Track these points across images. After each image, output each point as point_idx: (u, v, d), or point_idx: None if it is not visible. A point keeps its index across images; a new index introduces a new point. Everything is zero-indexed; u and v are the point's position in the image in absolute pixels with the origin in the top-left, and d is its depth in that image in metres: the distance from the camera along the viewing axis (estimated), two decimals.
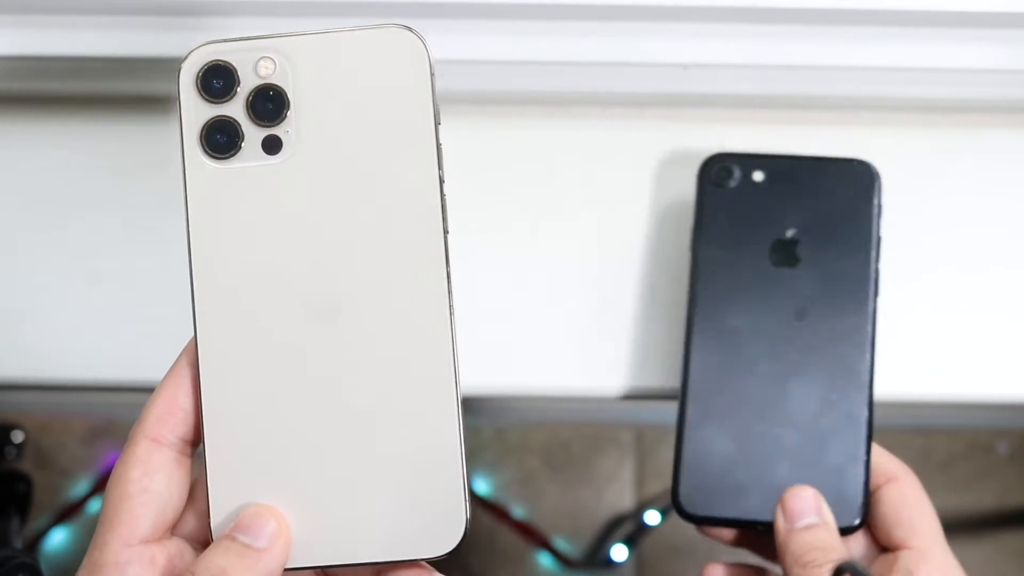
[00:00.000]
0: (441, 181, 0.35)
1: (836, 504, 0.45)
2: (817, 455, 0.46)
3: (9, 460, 1.07)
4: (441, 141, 0.35)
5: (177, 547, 0.35)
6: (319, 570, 0.37)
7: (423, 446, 0.34)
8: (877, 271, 0.48)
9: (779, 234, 0.48)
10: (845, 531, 0.45)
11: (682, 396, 0.47)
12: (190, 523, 0.36)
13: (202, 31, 0.46)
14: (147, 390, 0.51)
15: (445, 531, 0.34)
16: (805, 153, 0.49)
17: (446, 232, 0.35)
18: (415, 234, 0.35)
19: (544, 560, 1.10)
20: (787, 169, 0.49)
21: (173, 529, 0.36)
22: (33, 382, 0.51)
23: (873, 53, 0.48)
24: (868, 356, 0.47)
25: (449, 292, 0.35)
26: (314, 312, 0.35)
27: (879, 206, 0.48)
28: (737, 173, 0.49)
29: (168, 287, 0.51)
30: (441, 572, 0.36)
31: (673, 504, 0.47)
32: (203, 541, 0.36)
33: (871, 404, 0.47)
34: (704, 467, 0.47)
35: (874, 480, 0.46)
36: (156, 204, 0.52)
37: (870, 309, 0.47)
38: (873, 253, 0.48)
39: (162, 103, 0.52)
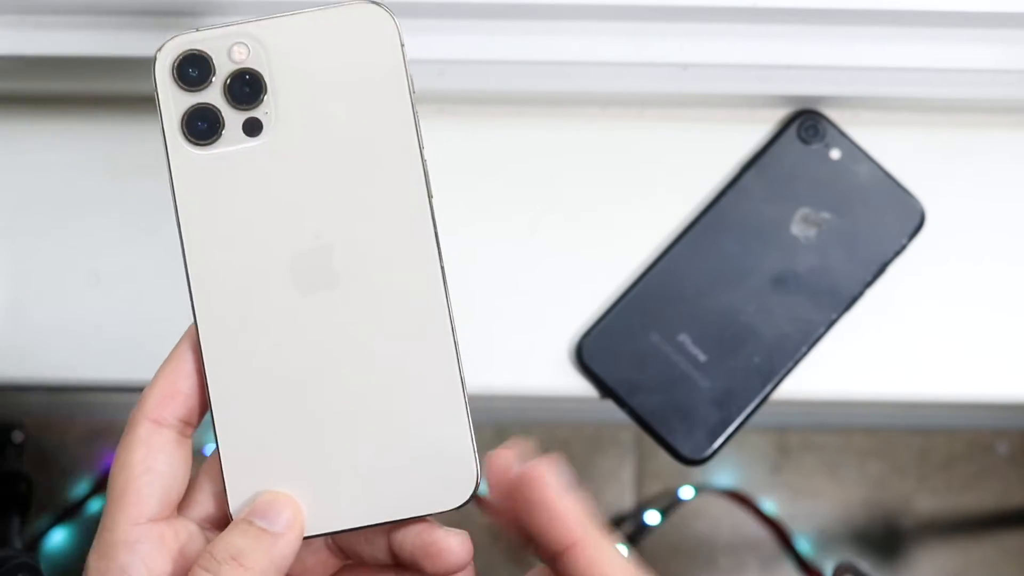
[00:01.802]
0: (421, 147, 0.35)
1: (689, 433, 0.50)
2: (707, 395, 0.50)
3: (9, 460, 1.06)
4: (417, 109, 0.35)
5: (186, 527, 0.36)
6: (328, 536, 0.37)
7: (428, 404, 0.35)
8: (862, 293, 0.50)
9: (815, 209, 0.50)
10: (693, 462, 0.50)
11: (644, 272, 0.51)
12: (203, 505, 0.37)
13: None
14: None
15: (457, 483, 0.35)
16: (884, 164, 0.51)
17: (430, 196, 0.35)
18: (401, 200, 0.35)
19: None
20: (859, 166, 0.51)
21: (184, 511, 0.37)
22: (33, 382, 0.51)
23: (874, 53, 0.48)
24: (804, 349, 0.50)
25: (439, 253, 0.35)
26: (309, 286, 0.35)
27: (904, 247, 0.51)
28: (822, 139, 0.51)
29: (168, 287, 0.51)
30: (449, 524, 0.36)
31: (577, 348, 0.51)
32: (214, 523, 0.37)
33: (770, 390, 0.50)
34: (615, 336, 0.50)
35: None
36: (156, 204, 0.52)
37: (832, 317, 0.50)
38: (871, 278, 0.50)
39: None
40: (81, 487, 1.10)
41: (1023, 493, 1.15)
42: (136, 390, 0.51)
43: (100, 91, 0.51)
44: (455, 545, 0.35)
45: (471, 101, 0.51)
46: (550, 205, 0.52)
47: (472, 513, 0.36)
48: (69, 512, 1.09)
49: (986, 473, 1.15)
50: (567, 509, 0.34)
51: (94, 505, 1.10)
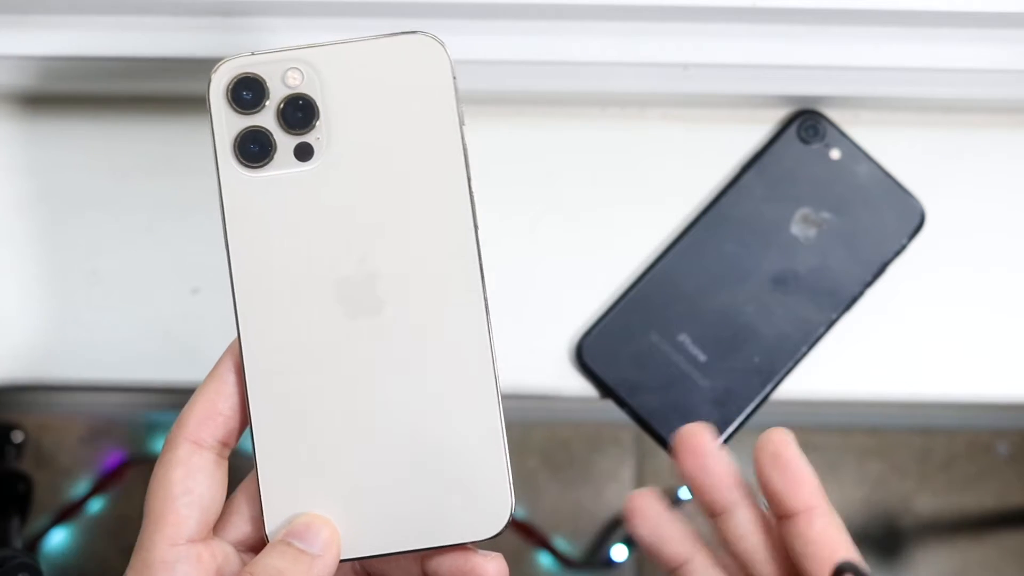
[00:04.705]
0: (469, 179, 0.36)
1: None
2: (707, 395, 0.50)
3: (9, 460, 1.07)
4: (466, 141, 0.36)
5: (222, 548, 0.36)
6: (364, 560, 0.38)
7: (466, 433, 0.36)
8: (862, 293, 0.50)
9: (815, 209, 0.50)
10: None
11: (644, 272, 0.51)
12: (239, 528, 0.37)
13: (204, 32, 0.46)
14: (147, 390, 0.51)
15: (492, 513, 0.36)
16: (884, 164, 0.51)
17: (476, 227, 0.36)
18: (446, 230, 0.36)
19: (544, 560, 1.10)
20: (859, 166, 0.51)
21: (220, 533, 0.37)
22: (33, 382, 0.51)
23: (873, 53, 0.48)
24: (804, 350, 0.50)
25: (483, 284, 0.36)
26: (352, 312, 0.36)
27: (904, 247, 0.51)
28: (822, 139, 0.51)
29: (168, 287, 0.51)
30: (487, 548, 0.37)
31: (577, 348, 0.51)
32: (249, 546, 0.37)
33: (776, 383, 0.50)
34: (615, 336, 0.50)
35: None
36: (156, 204, 0.52)
37: (832, 317, 0.50)
38: (871, 278, 0.50)
39: (163, 103, 0.52)
40: (81, 487, 1.10)
41: (1023, 493, 1.15)
42: (137, 390, 0.52)
43: (100, 91, 0.51)
44: (492, 571, 0.36)
45: (471, 101, 0.51)
46: (550, 205, 0.52)
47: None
48: (69, 512, 1.09)
49: (986, 473, 1.15)
50: (808, 476, 0.36)
51: (94, 505, 1.10)
